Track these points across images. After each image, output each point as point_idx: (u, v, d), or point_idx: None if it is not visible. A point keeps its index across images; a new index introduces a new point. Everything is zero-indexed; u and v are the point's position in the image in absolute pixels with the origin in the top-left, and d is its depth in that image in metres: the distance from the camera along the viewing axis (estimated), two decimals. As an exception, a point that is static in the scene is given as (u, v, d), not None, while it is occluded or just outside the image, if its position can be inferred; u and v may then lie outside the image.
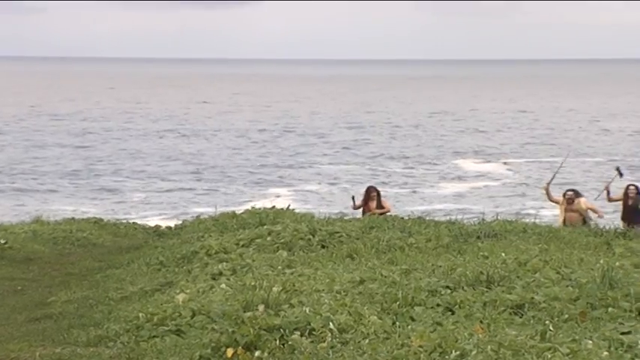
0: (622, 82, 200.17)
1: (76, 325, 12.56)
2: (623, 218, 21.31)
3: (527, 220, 19.59)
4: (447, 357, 8.49)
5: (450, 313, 10.90)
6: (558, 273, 12.28)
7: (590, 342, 8.75)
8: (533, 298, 11.01)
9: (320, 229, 17.39)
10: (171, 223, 25.51)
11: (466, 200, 44.52)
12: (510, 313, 10.67)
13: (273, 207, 21.85)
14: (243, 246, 16.94)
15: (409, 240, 16.47)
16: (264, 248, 16.63)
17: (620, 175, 22.59)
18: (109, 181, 51.14)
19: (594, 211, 21.30)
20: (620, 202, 21.59)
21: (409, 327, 9.92)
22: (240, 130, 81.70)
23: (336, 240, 16.96)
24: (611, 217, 21.42)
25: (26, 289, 16.19)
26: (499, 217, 19.11)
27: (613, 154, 61.01)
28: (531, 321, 10.28)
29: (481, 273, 12.15)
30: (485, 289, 11.61)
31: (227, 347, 9.48)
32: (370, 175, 52.30)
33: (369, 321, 10.05)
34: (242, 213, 21.51)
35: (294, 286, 12.18)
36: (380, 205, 21.98)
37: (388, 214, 21.38)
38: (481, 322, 10.11)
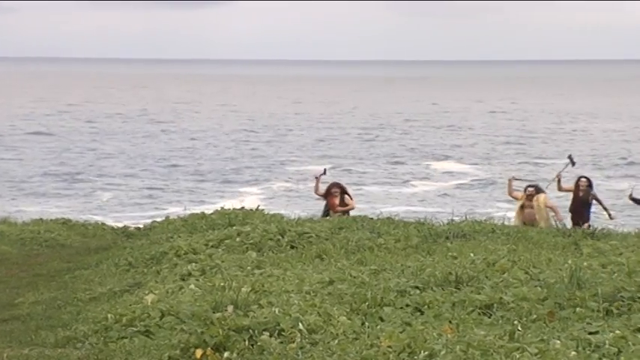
0: (595, 84, 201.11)
1: (44, 326, 12.49)
2: (572, 210, 21.29)
3: (496, 221, 19.63)
4: (415, 357, 8.51)
5: (419, 313, 10.91)
6: (527, 273, 12.34)
7: (558, 342, 8.79)
8: (501, 298, 11.05)
9: (289, 230, 17.38)
10: (140, 224, 25.41)
11: (435, 201, 44.65)
12: (479, 314, 10.70)
13: (243, 208, 21.83)
14: (212, 247, 16.90)
15: (378, 240, 16.49)
16: (234, 249, 16.60)
17: (573, 163, 22.57)
18: (77, 181, 50.91)
19: (554, 211, 21.13)
20: (571, 193, 21.58)
21: (378, 327, 9.93)
22: (207, 130, 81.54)
23: (306, 240, 16.96)
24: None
25: (-7, 290, 16.08)
26: (468, 218, 19.16)
27: (585, 154, 61.33)
28: (500, 321, 10.31)
29: (450, 273, 12.18)
30: (454, 290, 11.64)
31: (196, 348, 9.46)
32: (339, 175, 52.30)
33: (338, 321, 10.05)
34: (211, 214, 21.45)
35: (263, 286, 12.17)
36: (343, 203, 22.04)
37: (352, 211, 21.53)
38: (450, 322, 10.13)
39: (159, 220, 24.18)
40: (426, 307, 11.06)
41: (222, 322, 9.74)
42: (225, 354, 9.37)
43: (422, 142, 72.83)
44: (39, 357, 10.71)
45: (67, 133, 79.27)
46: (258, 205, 23.13)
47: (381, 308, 11.01)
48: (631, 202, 22.34)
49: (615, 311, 10.53)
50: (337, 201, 22.02)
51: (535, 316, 10.43)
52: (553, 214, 21.05)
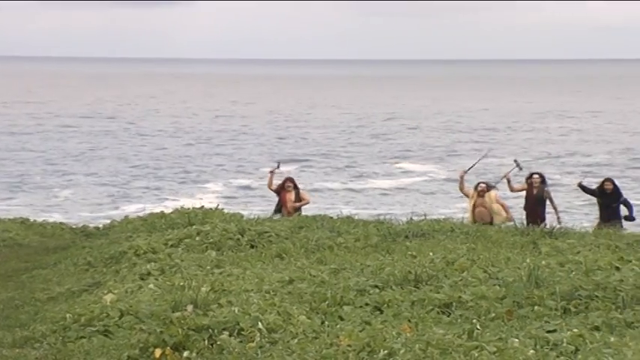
0: (559, 83, 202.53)
1: (2, 326, 12.41)
2: (527, 209, 20.71)
3: (455, 220, 19.67)
4: (375, 356, 8.53)
5: (378, 312, 10.95)
6: (485, 272, 12.41)
7: (517, 340, 8.85)
8: (460, 297, 11.11)
9: (249, 229, 17.37)
10: (99, 223, 25.29)
11: (394, 200, 44.72)
12: (438, 312, 10.75)
13: (202, 207, 21.77)
14: (171, 246, 16.86)
15: (338, 239, 16.52)
16: (193, 248, 16.56)
17: (520, 168, 22.16)
18: (34, 179, 50.52)
19: (504, 210, 20.63)
20: (523, 193, 20.90)
21: (338, 326, 9.96)
22: (167, 129, 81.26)
23: (265, 240, 16.95)
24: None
25: (-50, 290, 15.93)
26: (427, 217, 19.20)
27: (545, 152, 61.68)
28: (459, 320, 10.37)
29: (409, 272, 12.23)
30: (414, 289, 11.69)
31: (155, 347, 9.44)
32: (298, 174, 52.29)
33: (297, 320, 10.07)
34: (171, 213, 21.40)
35: (222, 286, 12.16)
36: (299, 198, 22.05)
37: (308, 208, 21.55)
38: (409, 321, 10.17)
39: (118, 219, 24.08)
40: (385, 306, 11.10)
41: (182, 322, 9.73)
42: (185, 353, 9.36)
43: (380, 139, 72.94)
44: (-4, 357, 10.64)
45: (21, 130, 78.66)
46: (218, 204, 23.09)
47: (340, 307, 11.04)
48: (579, 188, 21.87)
49: (573, 310, 10.63)
50: (292, 196, 22.00)
51: (494, 314, 10.50)
52: (504, 213, 20.63)
